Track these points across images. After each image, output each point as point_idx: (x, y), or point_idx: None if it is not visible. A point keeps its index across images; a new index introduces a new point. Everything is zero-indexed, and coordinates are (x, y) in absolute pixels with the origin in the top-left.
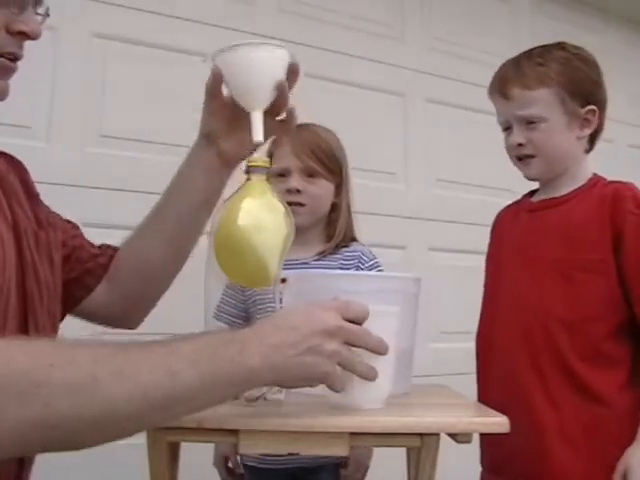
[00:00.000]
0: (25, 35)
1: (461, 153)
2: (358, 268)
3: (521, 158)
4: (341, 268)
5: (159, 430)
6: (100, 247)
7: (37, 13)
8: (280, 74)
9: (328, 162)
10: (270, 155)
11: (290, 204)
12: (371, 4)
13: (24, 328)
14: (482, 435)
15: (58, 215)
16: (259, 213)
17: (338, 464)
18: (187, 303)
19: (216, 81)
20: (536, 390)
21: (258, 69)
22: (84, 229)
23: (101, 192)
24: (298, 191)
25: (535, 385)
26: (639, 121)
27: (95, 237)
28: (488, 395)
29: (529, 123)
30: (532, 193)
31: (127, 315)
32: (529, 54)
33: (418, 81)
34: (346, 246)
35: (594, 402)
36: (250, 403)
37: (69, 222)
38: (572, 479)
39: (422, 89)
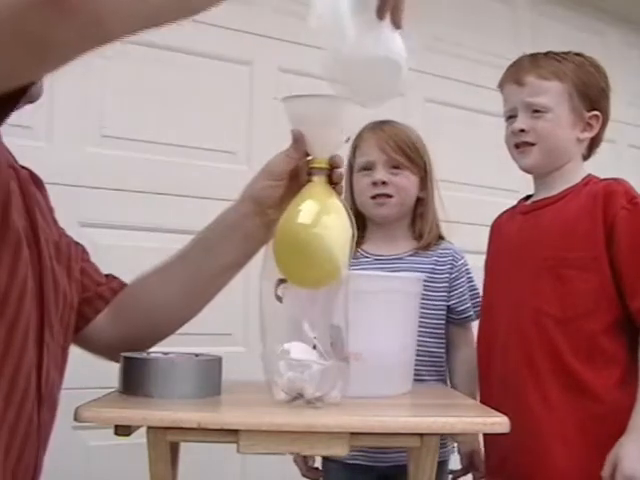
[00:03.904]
0: None
1: (461, 153)
2: (452, 267)
3: (519, 146)
4: (435, 265)
5: (159, 430)
6: (107, 276)
7: None
8: None
9: (412, 154)
10: (354, 148)
11: (376, 197)
12: None
13: (40, 333)
14: (484, 437)
15: (70, 236)
16: (326, 213)
17: (444, 462)
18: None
19: (300, 146)
20: (532, 389)
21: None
22: (84, 229)
23: (101, 192)
24: (384, 183)
25: (531, 384)
26: (639, 121)
27: (95, 237)
28: (489, 396)
29: (535, 112)
30: (528, 198)
31: (130, 351)
32: (546, 53)
33: (418, 81)
34: (436, 243)
35: (589, 400)
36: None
37: (78, 244)
38: (569, 478)
39: (422, 89)
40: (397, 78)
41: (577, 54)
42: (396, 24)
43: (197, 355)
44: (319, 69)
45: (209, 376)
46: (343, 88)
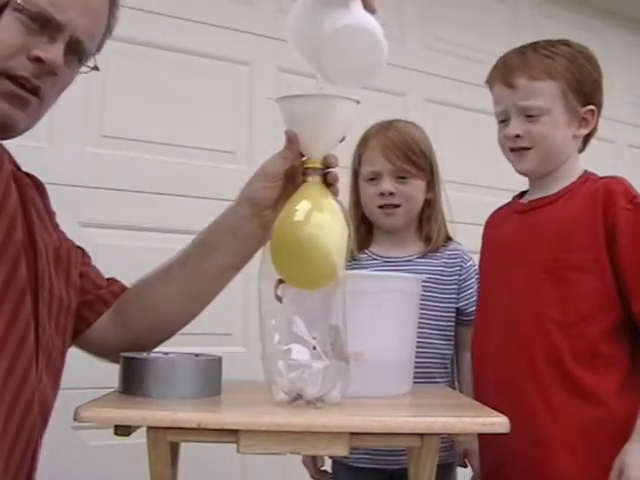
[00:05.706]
0: (41, 63)
1: (461, 153)
2: (462, 268)
3: (515, 150)
4: (444, 267)
5: (159, 430)
6: (108, 280)
7: (85, 65)
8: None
9: (418, 160)
10: (359, 155)
11: (383, 207)
12: None
13: (35, 336)
14: (480, 438)
15: (71, 240)
16: (321, 213)
17: (451, 464)
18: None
19: (294, 146)
20: (533, 394)
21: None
22: (84, 229)
23: (101, 192)
24: (391, 194)
25: (531, 389)
26: (639, 121)
27: (95, 237)
28: (484, 400)
29: (528, 115)
30: (522, 194)
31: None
32: (534, 46)
33: (418, 81)
34: (444, 245)
35: (592, 404)
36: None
37: (79, 248)
38: None
39: (422, 89)
40: (377, 54)
41: (565, 43)
42: (369, 7)
43: (197, 355)
44: (295, 51)
45: (209, 376)
46: (321, 68)
